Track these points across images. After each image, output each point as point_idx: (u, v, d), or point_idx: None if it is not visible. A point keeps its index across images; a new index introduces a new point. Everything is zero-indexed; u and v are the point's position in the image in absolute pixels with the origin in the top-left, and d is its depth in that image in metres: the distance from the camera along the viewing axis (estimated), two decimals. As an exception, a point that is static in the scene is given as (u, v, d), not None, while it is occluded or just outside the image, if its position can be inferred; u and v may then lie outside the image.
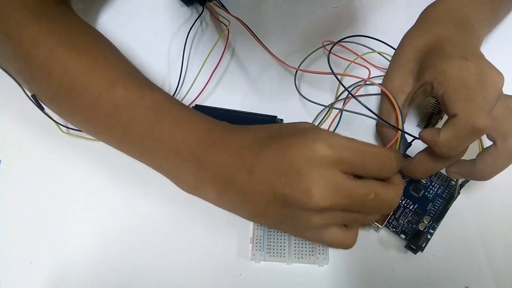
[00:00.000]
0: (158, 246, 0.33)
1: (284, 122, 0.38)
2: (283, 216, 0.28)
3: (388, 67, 0.36)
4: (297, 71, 0.41)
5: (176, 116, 0.31)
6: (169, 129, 0.31)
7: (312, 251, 0.33)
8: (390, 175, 0.28)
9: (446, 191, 0.36)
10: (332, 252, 0.33)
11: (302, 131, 0.28)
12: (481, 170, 0.32)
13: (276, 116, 0.38)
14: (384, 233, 0.35)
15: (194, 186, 0.31)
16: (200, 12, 0.44)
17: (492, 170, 0.32)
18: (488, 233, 0.35)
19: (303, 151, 0.27)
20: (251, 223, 0.34)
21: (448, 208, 0.35)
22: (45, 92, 0.33)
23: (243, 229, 0.34)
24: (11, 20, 0.32)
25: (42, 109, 0.34)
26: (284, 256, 0.32)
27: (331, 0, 0.47)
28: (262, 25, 0.45)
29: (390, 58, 0.37)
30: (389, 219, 0.34)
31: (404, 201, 0.35)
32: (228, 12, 0.43)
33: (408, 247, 0.34)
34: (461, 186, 0.35)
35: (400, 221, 0.34)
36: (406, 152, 0.36)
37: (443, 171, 0.36)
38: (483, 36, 0.37)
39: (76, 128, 0.36)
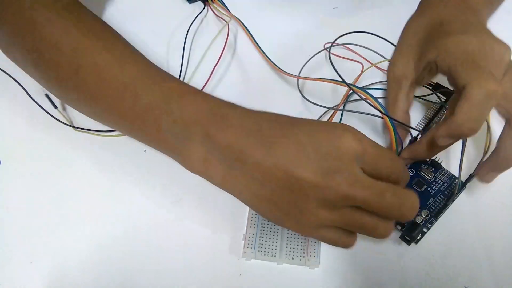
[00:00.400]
0: (157, 246, 0.33)
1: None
2: (287, 204, 0.27)
3: (392, 55, 0.37)
4: (299, 73, 0.41)
5: (183, 91, 0.31)
6: (177, 104, 0.30)
7: (304, 252, 0.32)
8: (398, 179, 0.28)
9: (449, 189, 0.36)
10: (324, 255, 0.33)
11: (328, 123, 0.29)
12: (504, 155, 0.31)
13: None
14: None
15: (201, 163, 0.29)
16: (202, 9, 0.45)
17: None
18: (488, 233, 0.35)
19: (332, 138, 0.26)
20: (245, 221, 0.34)
21: (449, 205, 0.34)
22: (55, 71, 0.33)
23: (236, 227, 0.34)
24: (25, 3, 0.33)
25: (55, 107, 0.36)
26: (275, 256, 0.32)
27: (331, 1, 0.47)
28: (262, 24, 0.45)
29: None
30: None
31: None
32: (229, 12, 0.43)
33: (402, 238, 0.33)
34: (464, 183, 0.35)
35: None
36: None
37: (452, 170, 0.36)
38: (486, 16, 0.37)
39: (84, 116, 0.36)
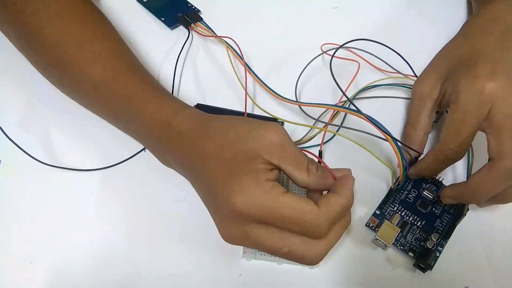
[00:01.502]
0: (157, 246, 0.33)
1: (285, 125, 0.38)
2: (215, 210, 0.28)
3: (424, 70, 0.37)
4: (298, 80, 0.41)
5: (142, 100, 0.32)
6: (133, 115, 0.32)
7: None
8: (317, 239, 0.26)
9: (453, 206, 0.35)
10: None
11: (247, 158, 0.26)
12: (472, 191, 0.32)
13: (277, 119, 0.38)
14: (391, 251, 0.34)
15: (167, 164, 0.33)
16: (187, 36, 0.44)
17: (484, 191, 0.31)
18: (488, 233, 0.35)
19: (225, 194, 0.26)
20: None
21: (456, 225, 0.34)
22: (39, 61, 0.35)
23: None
24: None
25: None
26: (275, 256, 0.32)
27: (331, 0, 0.48)
28: (256, 30, 0.45)
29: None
30: (396, 236, 0.33)
31: (411, 218, 0.34)
32: (215, 34, 0.43)
33: (416, 265, 0.33)
34: None
35: (407, 238, 0.33)
36: None
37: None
38: None
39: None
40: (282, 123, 0.39)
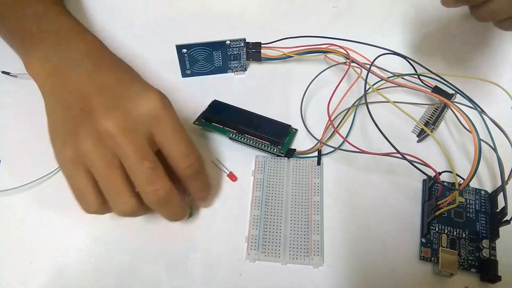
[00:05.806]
0: (158, 247, 0.33)
1: (298, 133, 0.38)
2: (72, 119, 0.28)
3: None
4: (304, 94, 0.40)
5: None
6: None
7: (307, 252, 0.32)
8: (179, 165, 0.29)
9: (482, 204, 0.34)
10: (327, 254, 0.33)
11: (130, 93, 0.28)
12: None
13: (291, 125, 0.38)
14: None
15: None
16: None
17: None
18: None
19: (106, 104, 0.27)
20: (247, 223, 0.33)
21: (500, 227, 0.32)
22: None
23: (239, 228, 0.34)
24: None
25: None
26: (278, 256, 0.32)
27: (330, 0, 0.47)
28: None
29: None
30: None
31: (455, 232, 0.33)
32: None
33: (485, 280, 0.31)
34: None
35: (462, 255, 0.32)
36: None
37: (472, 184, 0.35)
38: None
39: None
40: (296, 130, 0.38)
